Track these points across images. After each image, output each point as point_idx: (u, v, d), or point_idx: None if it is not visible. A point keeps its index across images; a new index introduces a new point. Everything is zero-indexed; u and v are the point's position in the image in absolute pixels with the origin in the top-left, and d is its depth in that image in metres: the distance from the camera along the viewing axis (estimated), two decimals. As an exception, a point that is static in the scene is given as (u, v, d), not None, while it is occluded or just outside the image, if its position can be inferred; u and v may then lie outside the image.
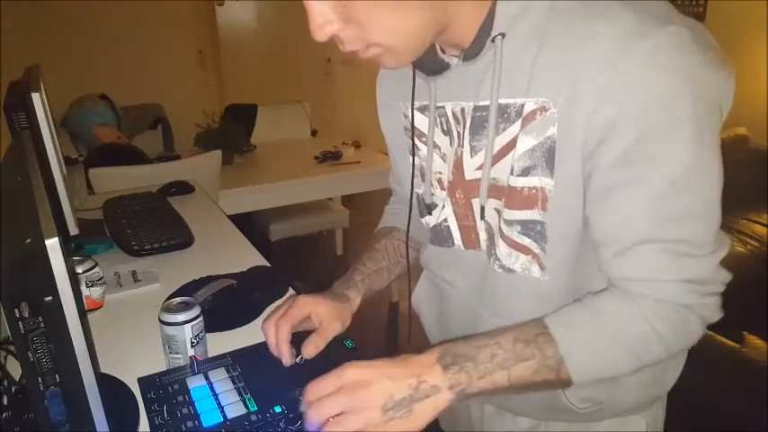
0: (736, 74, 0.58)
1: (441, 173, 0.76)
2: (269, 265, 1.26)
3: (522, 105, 0.61)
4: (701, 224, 0.59)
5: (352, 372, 0.61)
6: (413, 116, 0.77)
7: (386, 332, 2.77)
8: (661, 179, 0.57)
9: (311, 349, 0.80)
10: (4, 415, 0.73)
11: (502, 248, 0.70)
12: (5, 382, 0.78)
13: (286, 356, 0.81)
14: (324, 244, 3.55)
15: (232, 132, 2.77)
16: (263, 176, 2.75)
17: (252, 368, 0.84)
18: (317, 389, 0.63)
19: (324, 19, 0.56)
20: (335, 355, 0.88)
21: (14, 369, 0.79)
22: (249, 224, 3.04)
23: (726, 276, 0.62)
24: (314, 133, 3.48)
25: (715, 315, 0.63)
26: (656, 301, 0.61)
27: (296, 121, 3.45)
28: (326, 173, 2.78)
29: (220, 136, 2.66)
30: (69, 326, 0.51)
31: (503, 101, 0.63)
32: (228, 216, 1.62)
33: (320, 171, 2.80)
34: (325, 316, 0.82)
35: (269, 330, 0.81)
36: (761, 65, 3.24)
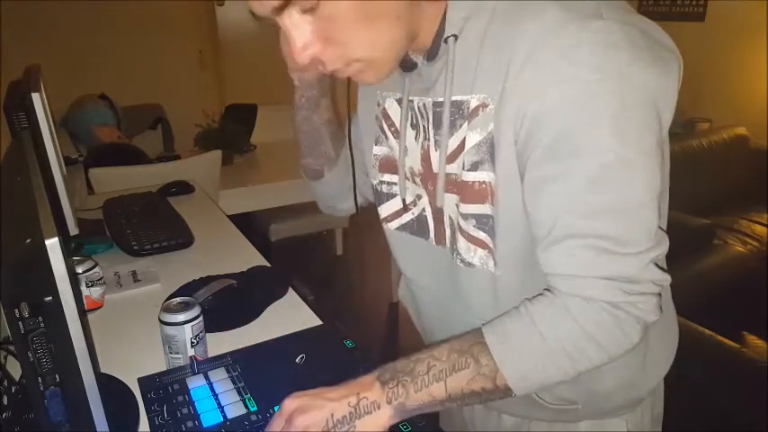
0: (681, 73, 0.59)
1: (411, 166, 0.77)
2: (269, 265, 1.26)
3: (469, 102, 0.63)
4: (625, 222, 0.58)
5: (291, 402, 0.63)
6: (349, 126, 0.80)
7: (386, 332, 2.77)
8: (581, 175, 0.57)
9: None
10: (4, 415, 0.73)
11: (461, 243, 0.71)
12: (5, 382, 0.78)
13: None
14: (324, 244, 3.55)
15: (232, 132, 2.76)
16: (263, 176, 2.74)
17: (252, 368, 0.85)
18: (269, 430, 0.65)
19: (304, 42, 0.57)
20: (335, 355, 0.88)
21: (14, 369, 0.79)
22: (249, 224, 3.03)
23: (661, 277, 0.61)
24: (314, 133, 3.47)
25: (650, 315, 0.61)
26: (584, 299, 0.61)
27: (296, 121, 3.44)
28: (326, 173, 2.78)
29: (220, 136, 2.66)
30: (69, 326, 0.51)
31: (456, 98, 0.65)
32: (228, 216, 1.62)
33: (320, 171, 2.79)
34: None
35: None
36: (761, 65, 3.24)
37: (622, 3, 0.59)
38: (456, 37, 0.62)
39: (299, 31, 0.57)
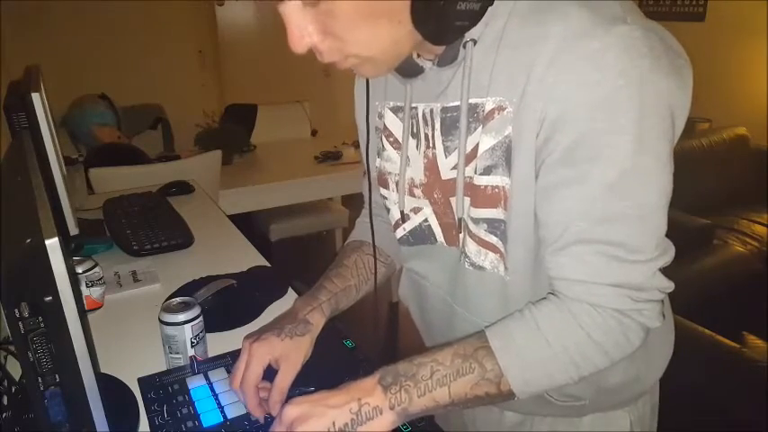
0: (692, 82, 0.58)
1: (411, 177, 0.75)
2: (269, 265, 1.26)
3: (484, 105, 0.62)
4: (638, 229, 0.58)
5: (291, 410, 0.61)
6: (368, 113, 0.76)
7: (386, 332, 2.77)
8: (598, 180, 0.57)
9: (275, 408, 0.73)
10: (4, 415, 0.73)
11: (471, 246, 0.70)
12: (5, 382, 0.78)
13: (260, 414, 0.75)
14: (324, 244, 3.54)
15: (232, 132, 2.76)
16: (263, 176, 2.74)
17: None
18: None
19: (302, 32, 0.57)
20: (335, 355, 0.88)
21: (14, 369, 0.79)
22: (249, 224, 3.04)
23: (666, 285, 0.61)
24: (314, 133, 3.47)
25: (654, 322, 0.62)
26: (591, 305, 0.60)
27: (296, 121, 3.45)
28: (326, 173, 2.78)
29: (220, 136, 2.66)
30: (69, 326, 0.51)
31: (472, 101, 0.64)
32: (228, 216, 1.62)
33: (320, 171, 2.79)
34: (283, 361, 0.75)
35: (242, 397, 0.76)
36: (761, 65, 3.24)
37: (631, 3, 0.59)
38: (475, 42, 0.61)
39: (298, 20, 0.56)
